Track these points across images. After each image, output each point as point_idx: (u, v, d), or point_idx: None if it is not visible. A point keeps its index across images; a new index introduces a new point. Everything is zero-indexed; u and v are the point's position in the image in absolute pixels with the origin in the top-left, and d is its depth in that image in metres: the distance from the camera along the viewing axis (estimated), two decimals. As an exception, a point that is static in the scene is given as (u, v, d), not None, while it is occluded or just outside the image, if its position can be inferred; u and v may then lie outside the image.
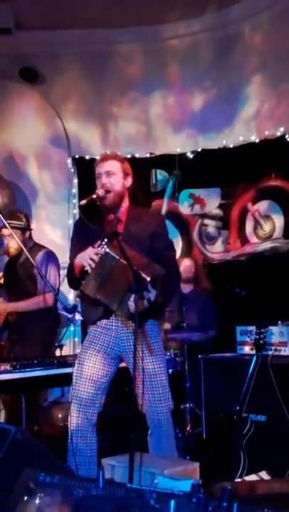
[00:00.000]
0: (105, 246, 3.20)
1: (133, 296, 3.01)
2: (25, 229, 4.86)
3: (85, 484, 1.29)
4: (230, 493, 1.26)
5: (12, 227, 4.68)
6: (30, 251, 4.75)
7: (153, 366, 3.39)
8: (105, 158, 3.57)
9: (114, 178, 3.46)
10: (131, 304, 3.10)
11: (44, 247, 4.94)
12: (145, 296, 3.11)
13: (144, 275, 3.12)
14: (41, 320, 4.80)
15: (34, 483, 1.29)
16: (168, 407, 3.45)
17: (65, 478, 1.33)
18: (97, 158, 3.70)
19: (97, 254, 3.22)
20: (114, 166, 3.49)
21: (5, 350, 4.89)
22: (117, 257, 3.14)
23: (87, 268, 3.23)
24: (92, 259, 3.22)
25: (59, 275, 4.88)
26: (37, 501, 1.27)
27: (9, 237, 4.76)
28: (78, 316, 5.26)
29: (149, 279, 3.14)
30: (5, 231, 4.79)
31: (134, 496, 1.20)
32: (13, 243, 4.74)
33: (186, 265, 5.94)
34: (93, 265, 3.21)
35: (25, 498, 1.30)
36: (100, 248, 3.22)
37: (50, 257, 4.87)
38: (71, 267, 3.43)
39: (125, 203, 3.53)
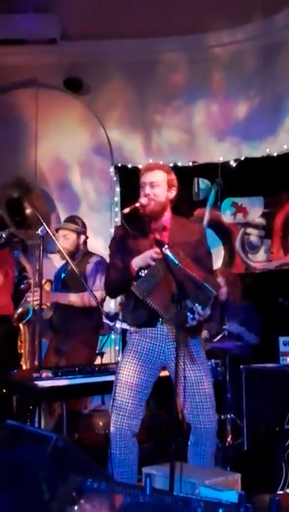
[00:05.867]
0: (167, 248, 3.20)
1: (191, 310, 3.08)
2: (80, 233, 4.98)
3: (131, 491, 1.28)
4: (279, 504, 1.23)
5: (67, 230, 4.93)
6: (83, 256, 4.92)
7: (195, 374, 3.37)
8: (151, 168, 3.56)
9: (157, 189, 3.45)
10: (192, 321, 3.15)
11: (96, 255, 5.01)
12: (188, 305, 3.10)
13: (209, 287, 3.19)
14: (85, 319, 4.85)
15: (81, 489, 1.28)
16: (215, 416, 3.42)
17: (111, 484, 1.32)
18: (142, 166, 3.70)
19: (158, 253, 3.22)
20: (159, 176, 3.48)
21: (51, 348, 4.92)
22: (176, 261, 3.15)
23: (152, 263, 3.24)
24: (153, 259, 3.24)
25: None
26: (83, 508, 1.26)
27: (63, 238, 4.90)
28: (119, 324, 5.27)
29: (215, 293, 3.22)
30: (60, 232, 4.93)
31: (181, 504, 1.18)
32: (67, 245, 4.84)
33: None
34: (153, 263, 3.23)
35: (72, 504, 1.30)
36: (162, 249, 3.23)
37: (100, 264, 4.89)
38: (127, 271, 3.38)
39: (168, 212, 3.53)
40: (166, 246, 3.21)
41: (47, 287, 5.15)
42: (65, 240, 4.90)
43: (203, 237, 3.64)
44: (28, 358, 4.97)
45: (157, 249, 3.23)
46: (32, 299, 4.81)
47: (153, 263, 3.24)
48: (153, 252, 3.26)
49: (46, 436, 1.94)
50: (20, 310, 4.98)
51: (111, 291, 3.71)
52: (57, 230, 5.04)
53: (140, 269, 3.31)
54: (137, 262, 3.33)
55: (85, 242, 5.05)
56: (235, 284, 5.91)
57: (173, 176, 3.55)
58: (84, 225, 5.10)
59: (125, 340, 3.56)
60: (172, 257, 3.16)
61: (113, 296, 3.98)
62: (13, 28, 6.58)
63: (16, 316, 4.97)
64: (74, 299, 4.83)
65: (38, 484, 1.53)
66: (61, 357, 4.70)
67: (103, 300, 4.92)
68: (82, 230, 5.02)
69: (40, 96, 7.19)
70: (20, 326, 5.01)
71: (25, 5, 6.34)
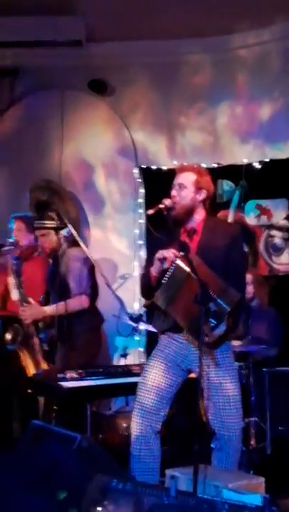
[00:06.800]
0: (178, 258, 3.18)
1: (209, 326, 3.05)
2: (58, 228, 4.80)
3: (156, 492, 1.28)
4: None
5: (45, 228, 4.75)
6: (65, 251, 4.78)
7: (219, 380, 3.35)
8: (182, 169, 3.58)
9: (184, 192, 3.45)
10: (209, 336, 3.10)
11: (79, 249, 4.85)
12: (211, 308, 3.08)
13: (223, 304, 3.09)
14: (83, 321, 4.76)
15: (105, 489, 1.29)
16: (239, 424, 3.39)
17: (136, 485, 1.33)
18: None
19: (172, 254, 3.20)
20: (187, 178, 3.47)
21: (50, 354, 4.87)
22: (187, 270, 3.12)
23: (162, 265, 3.24)
24: (159, 259, 3.23)
25: (90, 277, 4.79)
26: (109, 507, 1.26)
27: (42, 238, 4.79)
28: (143, 326, 5.26)
29: (229, 309, 3.11)
30: (37, 232, 4.83)
31: (206, 506, 1.18)
32: (46, 245, 4.75)
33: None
34: (165, 266, 3.22)
35: (96, 505, 1.31)
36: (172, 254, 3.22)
37: (81, 259, 4.77)
38: (146, 276, 3.43)
39: (199, 215, 3.50)
40: (181, 254, 3.17)
41: None
42: (43, 240, 4.76)
43: (236, 240, 3.51)
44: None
45: (169, 251, 3.21)
46: (23, 315, 4.72)
47: (161, 264, 3.23)
48: (164, 253, 3.24)
49: (71, 437, 1.96)
50: (9, 335, 4.81)
51: (142, 295, 3.77)
52: (33, 231, 4.95)
53: (160, 274, 3.29)
54: (153, 267, 3.34)
55: (66, 236, 4.82)
56: (262, 286, 5.87)
57: (204, 178, 3.53)
58: (60, 217, 4.85)
59: (150, 341, 3.61)
60: (185, 268, 3.13)
61: (147, 298, 4.01)
62: (39, 30, 6.62)
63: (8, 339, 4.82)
64: (50, 310, 4.69)
65: (64, 482, 1.54)
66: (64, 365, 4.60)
67: (91, 302, 4.80)
68: (60, 226, 4.80)
69: (66, 98, 7.25)
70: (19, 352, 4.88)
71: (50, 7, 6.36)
